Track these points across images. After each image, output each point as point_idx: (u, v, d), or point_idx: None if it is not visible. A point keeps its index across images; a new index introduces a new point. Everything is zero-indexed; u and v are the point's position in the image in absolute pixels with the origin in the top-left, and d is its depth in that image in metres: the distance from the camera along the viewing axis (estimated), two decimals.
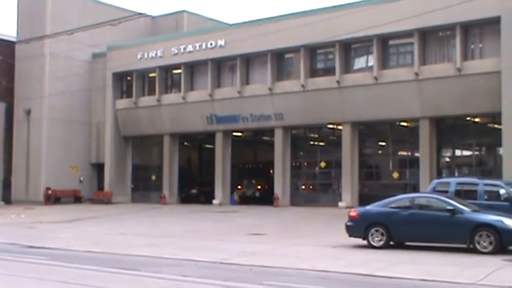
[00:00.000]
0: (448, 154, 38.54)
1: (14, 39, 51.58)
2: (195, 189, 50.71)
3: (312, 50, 40.62)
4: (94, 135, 51.96)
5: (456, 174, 36.17)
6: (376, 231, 19.92)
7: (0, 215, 38.57)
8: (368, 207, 21.09)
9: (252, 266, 16.59)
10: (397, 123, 39.35)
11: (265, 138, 50.11)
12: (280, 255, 18.69)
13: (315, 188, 42.60)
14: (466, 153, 38.57)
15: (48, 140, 49.72)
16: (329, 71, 40.00)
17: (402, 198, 20.85)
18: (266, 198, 43.53)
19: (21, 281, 14.42)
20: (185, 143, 53.00)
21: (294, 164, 42.67)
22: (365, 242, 20.17)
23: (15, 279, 14.63)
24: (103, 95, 50.40)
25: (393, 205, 20.36)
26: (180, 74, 46.54)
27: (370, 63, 38.25)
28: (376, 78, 37.16)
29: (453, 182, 23.50)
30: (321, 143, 43.80)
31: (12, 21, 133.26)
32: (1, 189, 51.41)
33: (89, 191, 51.50)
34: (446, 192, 22.10)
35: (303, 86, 39.89)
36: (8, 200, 50.60)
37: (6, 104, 51.77)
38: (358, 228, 20.35)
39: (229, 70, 44.70)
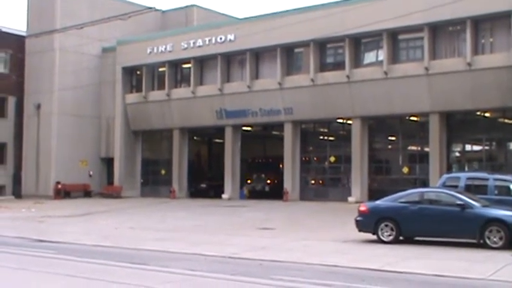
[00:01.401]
0: (458, 149, 38.39)
1: (24, 34, 51.67)
2: (205, 184, 50.71)
3: (321, 45, 40.50)
4: (104, 129, 52.05)
5: (466, 169, 36.03)
6: (386, 226, 19.88)
7: (11, 209, 38.74)
8: (378, 202, 21.06)
9: (261, 261, 16.58)
10: (407, 118, 39.19)
11: (274, 132, 50.09)
12: (290, 250, 18.67)
13: (325, 182, 42.51)
14: (476, 148, 38.42)
15: (58, 135, 49.84)
16: (339, 66, 39.86)
17: (412, 193, 20.82)
18: (275, 193, 43.45)
19: (30, 275, 14.45)
20: (195, 138, 53.03)
21: (303, 158, 42.61)
22: (375, 237, 20.13)
23: (24, 273, 14.68)
24: (113, 89, 50.48)
25: (403, 200, 20.32)
26: (189, 68, 46.52)
27: (380, 58, 38.10)
28: (386, 73, 37.03)
29: (463, 176, 23.40)
30: (330, 138, 43.75)
31: (23, 16, 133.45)
32: (11, 183, 51.61)
33: (99, 185, 51.62)
34: (456, 187, 22.03)
35: (312, 80, 39.80)
36: (18, 194, 50.80)
37: (16, 98, 51.92)
38: (368, 223, 20.31)
39: (239, 64, 44.63)
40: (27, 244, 20.97)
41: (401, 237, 19.89)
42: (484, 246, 18.17)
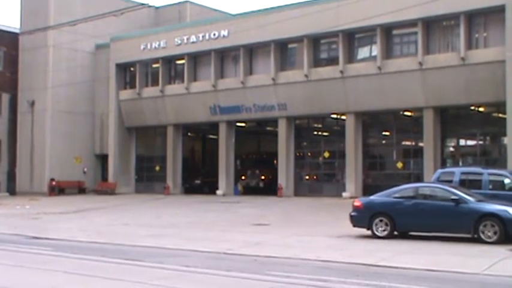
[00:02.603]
0: (452, 144, 38.46)
1: (17, 31, 51.54)
2: (199, 180, 50.68)
3: (315, 40, 40.49)
4: (98, 126, 51.99)
5: (460, 164, 36.09)
6: (381, 221, 19.89)
7: (5, 206, 38.68)
8: (372, 197, 21.08)
9: (256, 257, 16.59)
10: (401, 113, 39.27)
11: (268, 128, 50.07)
12: (284, 246, 18.70)
13: (319, 178, 42.57)
14: (471, 142, 38.48)
15: (52, 131, 49.79)
16: (332, 61, 39.86)
17: (406, 188, 20.84)
18: (270, 189, 43.45)
19: (26, 272, 14.43)
20: (189, 134, 53.02)
21: (297, 154, 42.63)
22: (369, 232, 20.16)
23: (20, 270, 14.67)
24: (107, 86, 50.39)
25: (397, 195, 20.32)
26: (183, 64, 46.48)
27: (374, 53, 38.11)
28: (379, 68, 37.05)
29: (457, 171, 23.44)
30: (324, 133, 43.79)
31: (16, 13, 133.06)
32: (6, 180, 51.52)
33: (93, 182, 51.59)
34: (450, 182, 22.09)
35: (306, 76, 39.80)
36: (12, 191, 50.75)
37: (10, 95, 51.86)
38: (362, 218, 20.32)
39: (233, 60, 44.59)
40: (23, 241, 20.94)
41: (395, 232, 19.92)
42: (478, 240, 18.22)
